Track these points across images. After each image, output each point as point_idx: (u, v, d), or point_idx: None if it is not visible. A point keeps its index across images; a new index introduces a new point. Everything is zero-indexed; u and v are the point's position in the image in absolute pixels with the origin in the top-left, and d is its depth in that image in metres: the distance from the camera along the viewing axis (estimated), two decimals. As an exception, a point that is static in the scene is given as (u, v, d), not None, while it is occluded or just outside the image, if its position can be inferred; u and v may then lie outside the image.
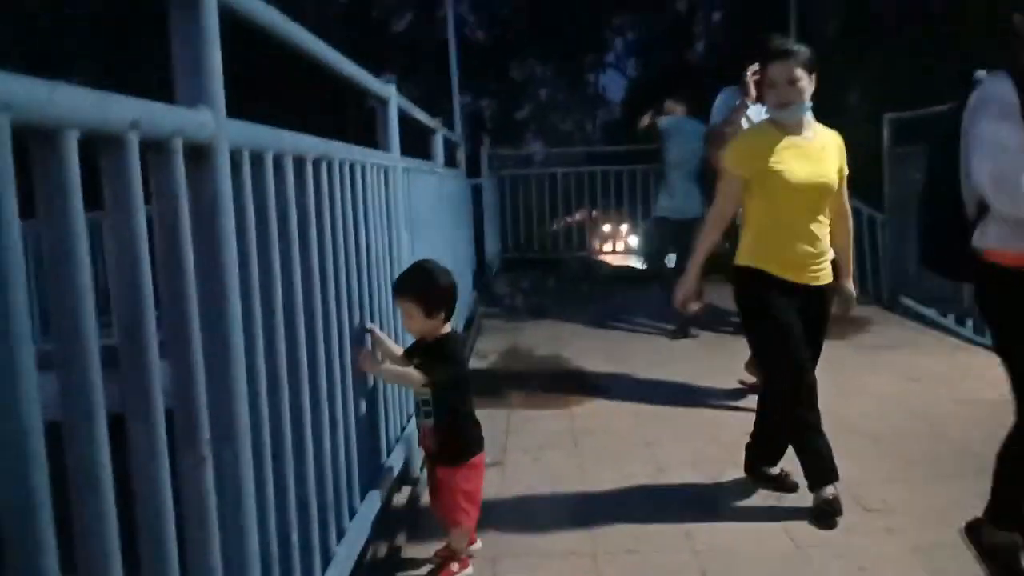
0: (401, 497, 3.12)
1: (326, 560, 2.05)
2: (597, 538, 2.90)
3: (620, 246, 11.93)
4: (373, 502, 2.55)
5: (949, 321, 5.99)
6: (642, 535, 2.91)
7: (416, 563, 2.74)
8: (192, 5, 1.41)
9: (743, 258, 3.11)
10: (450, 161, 6.68)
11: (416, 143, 4.54)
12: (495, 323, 6.83)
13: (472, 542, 2.75)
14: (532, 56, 20.82)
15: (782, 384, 3.07)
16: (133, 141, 1.14)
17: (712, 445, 3.78)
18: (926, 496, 3.15)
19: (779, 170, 2.97)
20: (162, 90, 1.40)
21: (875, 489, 3.25)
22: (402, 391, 3.11)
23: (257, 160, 1.66)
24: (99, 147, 1.11)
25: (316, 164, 2.08)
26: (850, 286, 3.25)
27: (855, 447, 3.67)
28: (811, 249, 3.04)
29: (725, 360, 4.96)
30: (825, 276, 3.10)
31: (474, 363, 5.40)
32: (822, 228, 3.07)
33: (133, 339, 1.16)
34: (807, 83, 2.95)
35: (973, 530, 2.54)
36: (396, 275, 2.87)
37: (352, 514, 2.34)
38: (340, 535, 2.20)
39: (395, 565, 2.74)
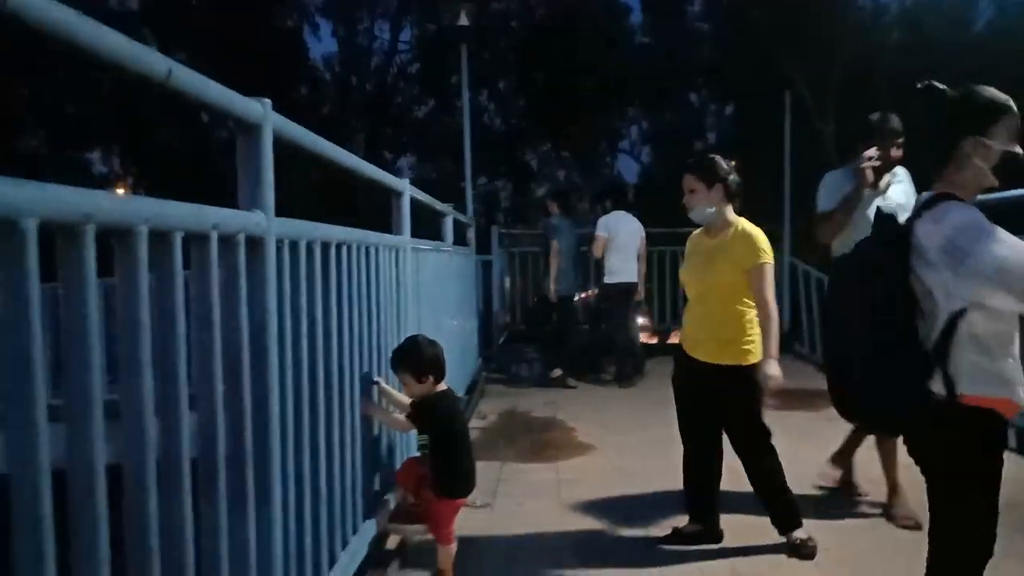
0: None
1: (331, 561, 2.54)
2: (572, 572, 3.36)
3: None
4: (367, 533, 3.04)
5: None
6: (609, 573, 3.37)
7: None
8: (255, 133, 2.00)
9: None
10: (460, 239, 7.28)
11: (430, 223, 5.17)
12: (498, 388, 7.34)
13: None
14: (547, 142, 21.74)
15: None
16: (214, 237, 1.71)
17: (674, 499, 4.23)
18: (869, 550, 3.59)
19: (686, 266, 3.68)
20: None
21: (827, 542, 3.66)
22: (403, 438, 3.63)
23: (294, 247, 2.24)
24: (192, 243, 1.68)
25: (339, 248, 2.66)
26: (767, 367, 3.41)
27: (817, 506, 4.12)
28: (707, 333, 3.55)
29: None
30: (722, 357, 3.50)
31: (474, 422, 5.92)
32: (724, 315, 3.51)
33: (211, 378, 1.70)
34: (702, 191, 3.53)
35: None
36: (403, 337, 3.44)
37: (355, 530, 2.84)
38: (344, 544, 2.70)
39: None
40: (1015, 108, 2.12)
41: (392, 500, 3.44)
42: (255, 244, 1.94)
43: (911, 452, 2.30)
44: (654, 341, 10.76)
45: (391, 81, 18.04)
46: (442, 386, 3.30)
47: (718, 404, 3.58)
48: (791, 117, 11.62)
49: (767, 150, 12.93)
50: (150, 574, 1.41)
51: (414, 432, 3.66)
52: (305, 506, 2.32)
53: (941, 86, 2.21)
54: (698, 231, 3.76)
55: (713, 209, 3.54)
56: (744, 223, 3.59)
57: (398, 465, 3.56)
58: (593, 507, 4.12)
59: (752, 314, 3.49)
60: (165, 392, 1.49)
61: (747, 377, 3.46)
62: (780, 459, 3.66)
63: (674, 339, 11.74)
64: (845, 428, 5.53)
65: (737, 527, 3.71)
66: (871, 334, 2.22)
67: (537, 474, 4.64)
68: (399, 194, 3.87)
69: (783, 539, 3.53)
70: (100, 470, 1.24)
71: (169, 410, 1.51)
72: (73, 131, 16.26)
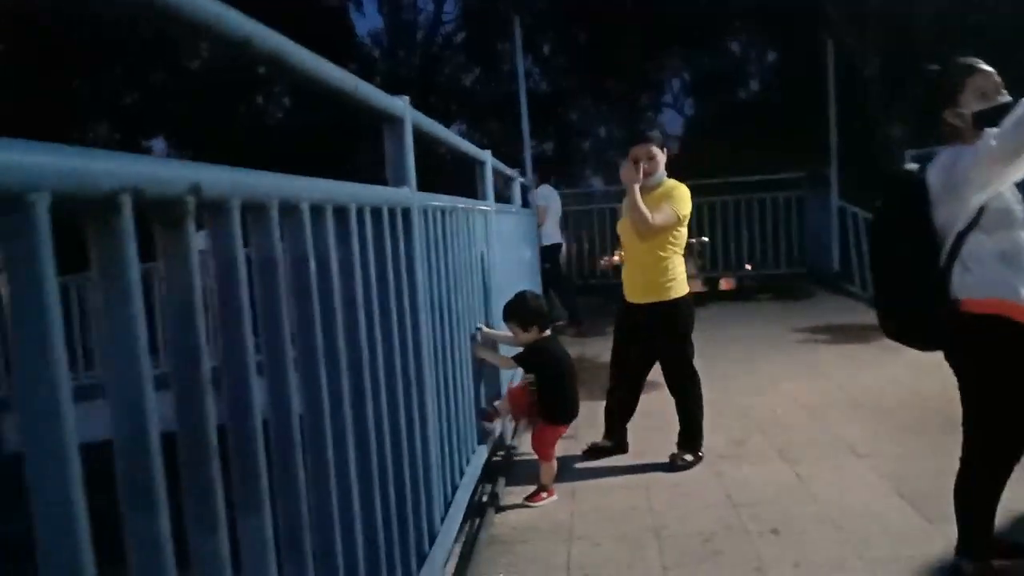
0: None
1: (454, 487, 3.12)
2: (651, 479, 3.93)
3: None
4: (481, 453, 3.63)
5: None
6: (683, 479, 3.93)
7: (514, 496, 3.79)
8: (398, 125, 2.54)
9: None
10: (524, 203, 7.80)
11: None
12: (563, 338, 7.88)
13: (551, 493, 3.79)
14: (590, 100, 21.99)
15: None
16: (357, 211, 2.25)
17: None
18: (904, 445, 4.09)
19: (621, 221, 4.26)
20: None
21: (867, 442, 4.22)
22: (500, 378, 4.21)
23: (431, 214, 2.79)
24: (336, 217, 2.19)
25: (453, 214, 3.21)
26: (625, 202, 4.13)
27: (858, 415, 4.69)
28: (639, 278, 4.13)
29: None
30: (649, 296, 4.12)
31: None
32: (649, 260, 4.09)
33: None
34: (659, 156, 4.10)
35: (958, 574, 2.73)
36: (493, 288, 4.01)
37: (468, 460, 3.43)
38: (468, 460, 3.29)
39: (497, 498, 3.80)
40: (982, 68, 2.57)
41: (497, 428, 4.03)
42: (406, 213, 2.48)
43: (947, 359, 2.77)
44: (704, 290, 11.28)
45: (437, 52, 18.54)
46: (547, 332, 3.86)
47: (654, 339, 4.19)
48: (837, 59, 11.78)
49: (810, 94, 13.14)
50: (348, 477, 1.97)
51: (508, 372, 4.23)
52: (445, 428, 2.89)
53: (931, 67, 2.69)
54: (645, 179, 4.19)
55: (659, 173, 4.12)
56: (673, 182, 4.18)
57: (494, 400, 4.13)
58: (664, 428, 4.66)
59: (673, 258, 4.11)
60: (352, 332, 2.01)
61: (671, 309, 4.12)
62: (830, 383, 4.17)
63: (725, 286, 12.24)
64: (899, 357, 6.07)
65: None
66: (898, 266, 2.72)
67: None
68: (483, 163, 4.40)
69: (675, 451, 4.17)
70: (256, 425, 1.31)
71: (358, 347, 2.04)
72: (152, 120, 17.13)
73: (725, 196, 11.62)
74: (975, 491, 2.67)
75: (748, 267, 11.83)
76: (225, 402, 1.27)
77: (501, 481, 3.95)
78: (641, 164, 4.05)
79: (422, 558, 2.40)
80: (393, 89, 2.51)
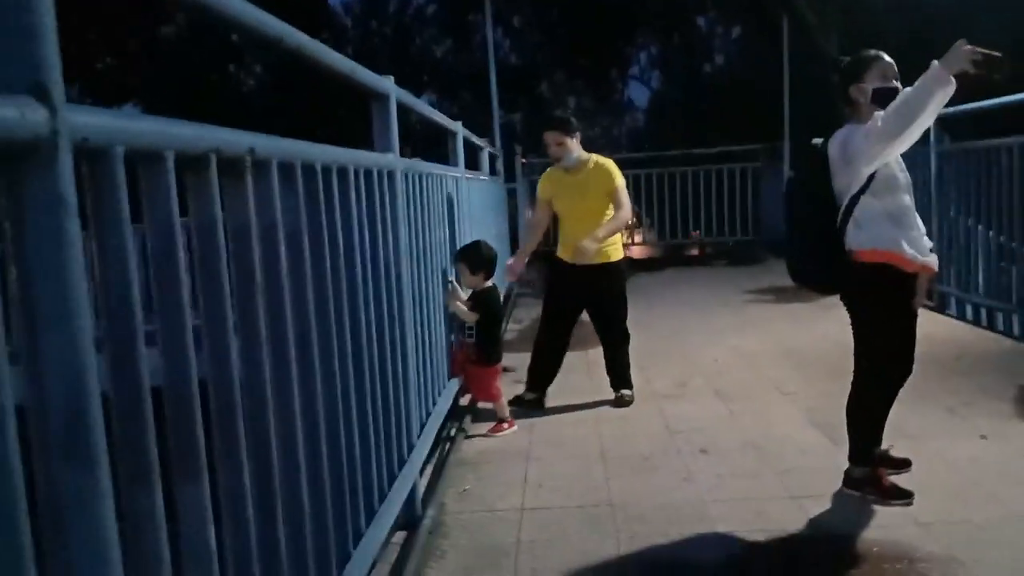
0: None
1: (428, 412, 3.62)
2: (598, 413, 4.46)
3: (639, 238, 13.30)
4: (452, 387, 4.13)
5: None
6: (628, 414, 4.46)
7: (480, 429, 4.31)
8: (384, 100, 3.00)
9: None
10: (492, 170, 8.28)
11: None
12: (526, 299, 8.41)
13: (511, 424, 4.30)
14: (560, 72, 22.39)
15: None
16: (355, 172, 2.71)
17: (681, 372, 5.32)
18: (823, 386, 4.65)
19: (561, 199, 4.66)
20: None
21: (793, 384, 4.79)
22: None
23: (411, 177, 3.26)
24: (329, 177, 2.67)
25: (428, 177, 3.68)
26: (587, 240, 4.43)
27: (789, 362, 5.27)
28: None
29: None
30: (598, 258, 4.54)
31: (512, 326, 7.04)
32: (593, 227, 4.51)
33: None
34: (566, 142, 4.51)
35: (847, 478, 3.23)
36: (456, 245, 4.50)
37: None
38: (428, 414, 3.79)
39: (465, 431, 4.31)
40: (886, 57, 3.08)
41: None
42: (391, 176, 2.95)
43: (842, 300, 3.30)
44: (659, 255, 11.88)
45: (409, 23, 18.83)
46: (490, 283, 4.34)
47: (596, 297, 4.67)
48: (793, 37, 12.32)
49: (771, 70, 13.67)
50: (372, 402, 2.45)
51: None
52: (422, 359, 3.38)
53: (843, 59, 3.21)
54: (554, 170, 4.72)
55: (576, 154, 4.56)
56: (595, 157, 4.65)
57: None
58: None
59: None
60: (350, 271, 2.47)
61: (615, 269, 4.66)
62: (769, 337, 4.70)
63: (693, 251, 12.77)
64: (833, 315, 6.67)
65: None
66: (805, 223, 3.23)
67: (569, 359, 5.70)
68: (455, 134, 4.86)
69: (616, 393, 4.68)
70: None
71: (357, 293, 2.51)
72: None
73: (686, 167, 12.16)
74: (863, 410, 3.22)
75: (694, 234, 12.43)
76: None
77: (468, 418, 4.46)
78: (551, 148, 4.57)
79: (402, 461, 2.90)
80: (365, 59, 2.90)
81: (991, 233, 6.12)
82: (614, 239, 4.64)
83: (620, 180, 4.60)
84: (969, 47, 2.74)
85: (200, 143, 1.40)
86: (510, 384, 4.90)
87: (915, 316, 3.16)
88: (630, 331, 4.81)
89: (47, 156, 0.97)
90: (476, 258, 4.31)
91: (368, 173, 2.61)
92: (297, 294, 1.89)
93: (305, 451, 1.87)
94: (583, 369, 5.37)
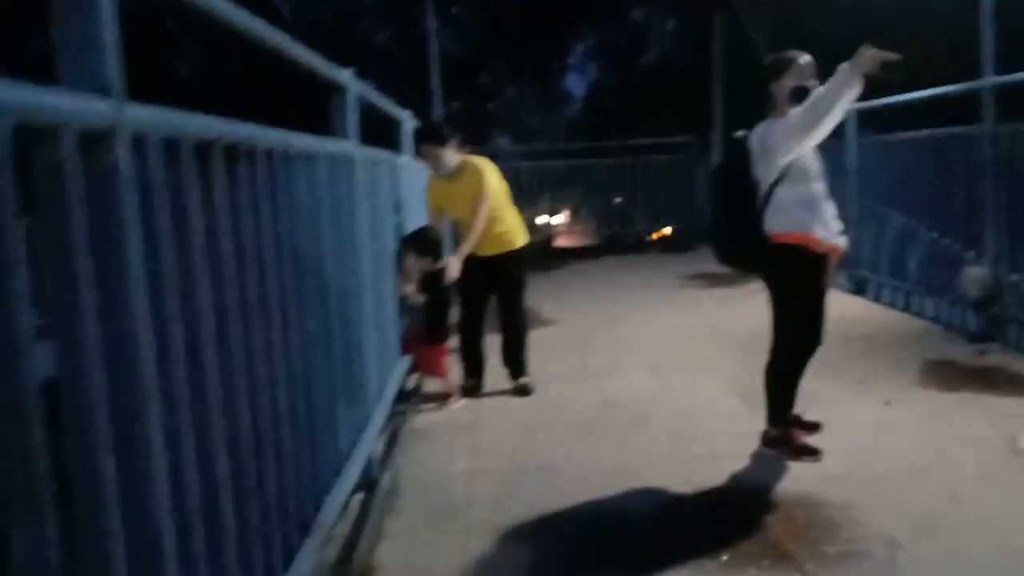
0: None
1: (382, 384, 3.88)
2: (540, 389, 4.76)
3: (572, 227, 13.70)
4: (402, 368, 4.38)
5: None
6: (568, 388, 4.77)
7: (428, 406, 4.57)
8: (344, 91, 3.22)
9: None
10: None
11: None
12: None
13: (459, 399, 4.57)
14: (500, 62, 22.61)
15: None
16: (344, 159, 2.95)
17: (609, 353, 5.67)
18: (747, 361, 5.00)
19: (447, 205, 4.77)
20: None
21: (719, 359, 5.18)
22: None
23: (368, 164, 3.49)
24: (305, 161, 2.90)
25: (379, 163, 3.91)
26: (452, 259, 4.56)
27: (716, 341, 5.66)
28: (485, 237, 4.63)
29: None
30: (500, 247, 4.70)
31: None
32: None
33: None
34: (440, 153, 4.55)
35: (764, 438, 3.61)
36: (402, 225, 4.72)
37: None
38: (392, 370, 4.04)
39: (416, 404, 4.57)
40: (805, 57, 3.41)
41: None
42: (350, 161, 3.18)
43: (761, 278, 3.65)
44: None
45: (349, 10, 18.84)
46: (438, 265, 4.58)
47: (502, 283, 4.79)
48: (725, 31, 12.78)
49: (704, 63, 14.14)
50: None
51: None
52: (377, 335, 3.63)
53: (768, 57, 3.53)
54: (435, 179, 4.77)
55: (452, 162, 4.63)
56: (470, 161, 4.69)
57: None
58: (559, 353, 5.51)
59: (503, 213, 4.73)
60: (316, 248, 2.71)
61: (518, 255, 4.79)
62: (699, 318, 5.04)
63: (628, 239, 13.07)
64: (757, 298, 7.11)
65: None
66: (729, 207, 3.57)
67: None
68: (400, 122, 5.10)
69: (513, 382, 4.83)
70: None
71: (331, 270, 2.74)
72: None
73: (622, 158, 12.56)
74: (778, 377, 3.58)
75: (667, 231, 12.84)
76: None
77: (416, 398, 4.71)
78: (427, 159, 4.65)
79: (362, 427, 3.15)
80: (307, 45, 3.05)
81: (905, 220, 6.59)
82: (509, 225, 4.74)
83: (486, 186, 4.60)
84: (874, 51, 3.09)
85: (209, 132, 1.63)
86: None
87: (824, 293, 3.53)
88: (571, 314, 5.07)
89: (110, 141, 1.20)
90: (422, 243, 4.55)
91: (332, 158, 2.85)
92: (276, 269, 2.13)
93: (284, 407, 2.11)
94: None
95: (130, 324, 1.27)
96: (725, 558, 2.68)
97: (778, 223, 3.41)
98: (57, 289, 1.14)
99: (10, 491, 1.04)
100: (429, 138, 4.65)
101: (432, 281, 4.55)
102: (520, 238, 4.82)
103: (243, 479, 1.81)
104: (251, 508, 1.82)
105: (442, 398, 4.58)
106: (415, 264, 4.53)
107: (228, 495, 1.70)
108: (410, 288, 4.52)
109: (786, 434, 3.56)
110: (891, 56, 3.08)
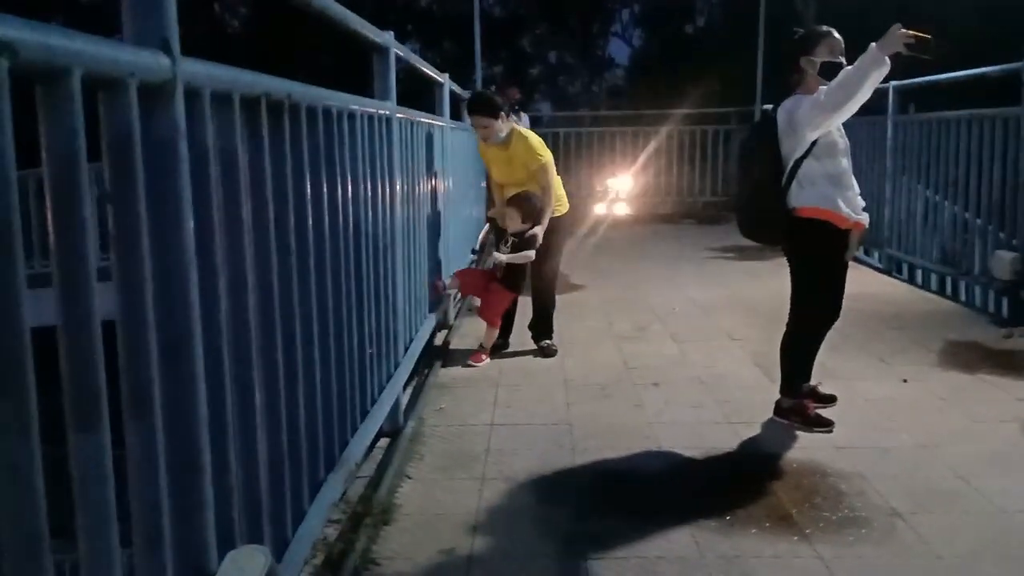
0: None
1: (411, 338, 4.01)
2: (563, 351, 4.88)
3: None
4: (429, 325, 4.53)
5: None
6: (590, 350, 4.89)
7: (456, 357, 4.71)
8: (385, 52, 3.33)
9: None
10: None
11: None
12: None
13: (488, 355, 4.71)
14: (542, 25, 22.50)
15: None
16: (379, 117, 3.06)
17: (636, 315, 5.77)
18: (769, 332, 5.06)
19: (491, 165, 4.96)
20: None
21: (741, 330, 5.25)
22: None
23: (404, 124, 3.60)
24: (349, 119, 3.02)
25: (418, 125, 4.02)
26: (535, 229, 4.69)
27: (740, 312, 5.75)
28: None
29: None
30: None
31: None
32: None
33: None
34: (492, 123, 4.64)
35: (777, 408, 3.69)
36: (440, 187, 4.85)
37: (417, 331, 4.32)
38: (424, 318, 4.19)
39: (443, 359, 4.71)
40: (835, 34, 3.44)
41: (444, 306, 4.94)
42: (388, 121, 3.29)
43: (784, 252, 3.71)
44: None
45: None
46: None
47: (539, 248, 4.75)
48: (769, 4, 12.61)
49: (749, 33, 13.97)
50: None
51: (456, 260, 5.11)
52: (408, 289, 3.76)
53: (796, 30, 3.56)
54: (484, 142, 4.87)
55: (503, 132, 4.73)
56: (519, 132, 4.78)
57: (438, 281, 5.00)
58: (585, 316, 5.63)
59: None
60: (355, 203, 2.82)
61: (557, 223, 4.85)
62: (726, 290, 5.11)
63: (663, 208, 13.12)
64: (786, 272, 7.14)
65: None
66: (754, 181, 3.62)
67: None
68: (441, 85, 5.19)
69: (536, 344, 4.93)
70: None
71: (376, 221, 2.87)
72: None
73: (659, 126, 12.51)
74: (793, 348, 3.66)
75: None
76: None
77: (437, 364, 4.84)
78: (478, 131, 4.76)
79: (390, 374, 3.30)
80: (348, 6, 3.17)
81: (938, 200, 6.57)
82: (556, 196, 4.83)
83: (542, 159, 4.73)
84: (903, 31, 3.12)
85: (256, 88, 1.75)
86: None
87: (845, 268, 3.59)
88: (600, 280, 5.15)
89: (169, 93, 1.33)
90: (528, 207, 4.66)
91: (370, 118, 2.96)
92: (315, 219, 2.26)
93: (317, 348, 2.25)
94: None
95: (181, 262, 1.41)
96: (728, 518, 2.80)
97: (803, 198, 3.47)
98: (119, 227, 1.27)
99: (74, 405, 1.18)
100: (482, 111, 4.70)
101: (525, 240, 4.67)
102: (561, 207, 4.92)
103: (276, 410, 1.95)
104: (282, 437, 1.97)
105: (471, 355, 4.72)
106: (518, 225, 4.66)
107: (262, 422, 1.85)
108: (523, 255, 4.65)
109: (799, 404, 3.65)
110: (921, 35, 3.11)
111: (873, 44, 3.16)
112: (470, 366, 4.63)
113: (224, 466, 1.63)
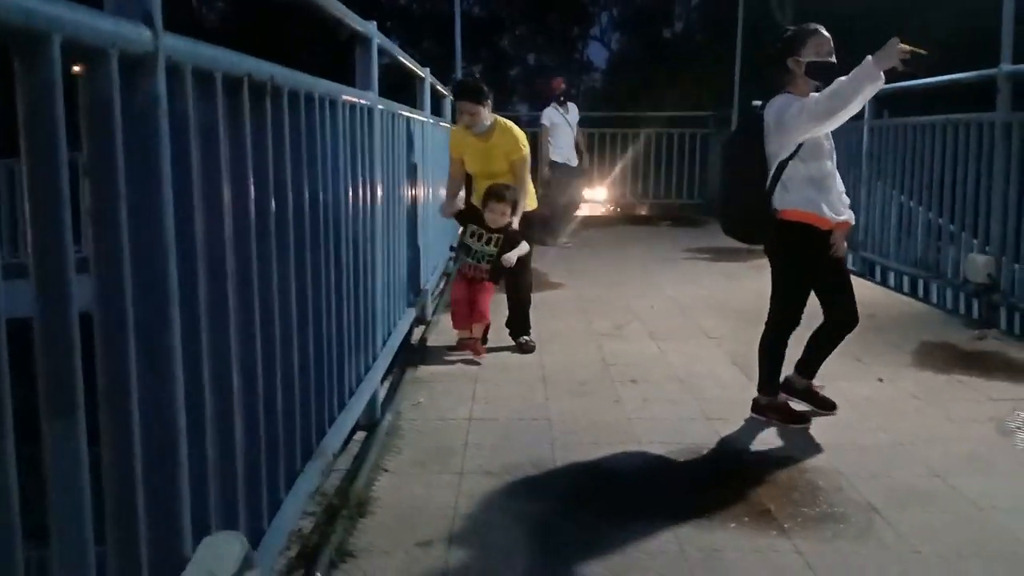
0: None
1: (389, 331, 3.98)
2: (540, 348, 4.87)
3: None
4: (407, 320, 4.49)
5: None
6: (569, 348, 4.88)
7: (433, 354, 4.68)
8: (368, 43, 3.29)
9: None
10: (454, 119, 8.54)
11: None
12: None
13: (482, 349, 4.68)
14: (523, 27, 22.53)
15: None
16: (360, 106, 3.02)
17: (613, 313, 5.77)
18: (746, 333, 5.07)
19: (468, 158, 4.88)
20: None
21: (719, 329, 5.27)
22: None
23: (385, 115, 3.57)
24: (331, 107, 2.98)
25: (399, 118, 3.98)
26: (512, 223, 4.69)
27: (718, 312, 5.76)
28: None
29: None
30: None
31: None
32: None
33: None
34: (479, 111, 4.64)
35: (755, 404, 3.70)
36: (420, 181, 4.81)
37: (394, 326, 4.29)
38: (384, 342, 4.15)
39: (423, 355, 4.68)
40: (823, 32, 3.43)
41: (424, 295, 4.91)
42: (370, 112, 3.26)
43: (766, 252, 3.71)
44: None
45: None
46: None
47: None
48: (749, 7, 12.70)
49: (726, 37, 14.07)
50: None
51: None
52: (387, 281, 3.73)
53: (786, 28, 3.55)
54: (460, 130, 4.89)
55: (488, 121, 4.73)
56: (502, 122, 4.80)
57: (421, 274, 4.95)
58: (563, 314, 5.62)
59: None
60: (335, 190, 2.79)
61: (527, 218, 4.85)
62: (704, 290, 5.11)
63: (641, 210, 13.17)
64: (763, 273, 7.21)
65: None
66: (738, 180, 3.62)
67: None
68: (422, 79, 5.16)
69: (515, 341, 4.90)
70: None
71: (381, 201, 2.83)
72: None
73: (637, 128, 12.56)
74: (770, 346, 3.67)
75: None
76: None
77: (418, 356, 4.83)
78: (463, 117, 4.71)
79: (367, 367, 3.27)
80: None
81: (912, 205, 6.63)
82: (526, 191, 4.85)
83: (524, 150, 4.78)
84: (902, 46, 3.10)
85: (239, 68, 1.72)
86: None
87: (840, 266, 3.60)
88: (578, 279, 5.12)
89: (151, 66, 1.29)
90: (516, 201, 4.63)
91: (352, 107, 2.93)
92: (295, 206, 2.22)
93: (295, 337, 2.22)
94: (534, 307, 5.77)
95: (160, 240, 1.37)
96: (708, 513, 2.79)
97: (787, 201, 3.47)
98: (97, 200, 1.23)
99: (48, 394, 1.14)
100: (469, 95, 4.68)
101: (515, 232, 4.65)
102: (531, 202, 4.95)
103: (253, 398, 1.92)
104: (259, 425, 1.94)
105: (472, 350, 4.69)
106: (502, 219, 4.60)
107: (239, 411, 1.82)
108: (517, 249, 4.63)
109: (776, 402, 3.66)
110: (918, 51, 3.10)
111: (869, 57, 3.14)
112: (474, 363, 4.57)
113: (200, 454, 1.60)
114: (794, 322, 3.64)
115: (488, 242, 4.65)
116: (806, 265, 3.56)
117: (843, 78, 3.24)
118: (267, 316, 2.00)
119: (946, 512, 2.82)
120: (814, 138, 3.43)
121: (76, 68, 1.19)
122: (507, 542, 2.59)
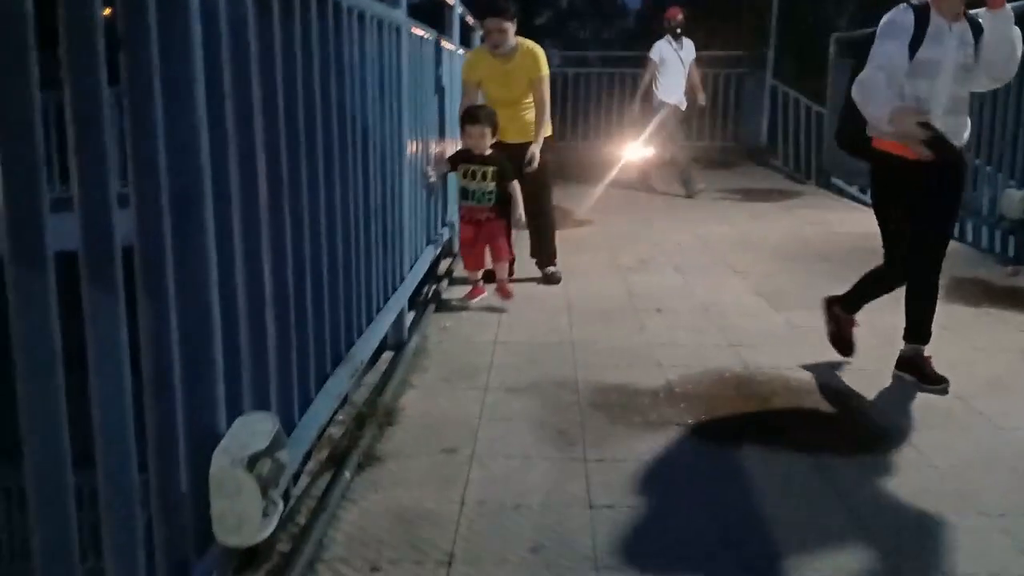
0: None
1: (416, 255, 4.02)
2: (567, 279, 4.90)
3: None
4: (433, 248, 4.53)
5: (855, 191, 7.91)
6: (594, 280, 4.91)
7: (460, 283, 4.73)
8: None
9: None
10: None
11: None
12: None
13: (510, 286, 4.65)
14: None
15: None
16: (375, 18, 3.03)
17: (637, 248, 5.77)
18: (772, 267, 5.13)
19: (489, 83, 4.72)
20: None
21: (745, 264, 5.26)
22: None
23: (413, 36, 3.56)
24: (359, 19, 2.99)
25: (427, 42, 3.97)
26: (532, 149, 4.66)
27: (745, 248, 5.74)
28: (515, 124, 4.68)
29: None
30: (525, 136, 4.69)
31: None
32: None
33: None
34: (509, 28, 4.49)
35: (829, 302, 3.59)
36: (446, 105, 4.80)
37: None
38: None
39: (450, 285, 4.73)
40: None
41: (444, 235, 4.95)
42: (398, 29, 3.26)
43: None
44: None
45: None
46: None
47: (524, 169, 4.65)
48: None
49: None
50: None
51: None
52: (415, 204, 3.76)
53: None
54: (481, 53, 4.72)
55: (513, 41, 4.57)
56: (525, 43, 4.64)
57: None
58: (590, 249, 5.64)
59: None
60: (363, 103, 2.81)
61: (546, 147, 4.75)
62: (732, 228, 5.08)
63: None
64: (794, 213, 7.15)
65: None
66: (848, 109, 3.32)
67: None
68: (451, 7, 5.14)
69: (541, 272, 4.89)
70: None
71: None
72: None
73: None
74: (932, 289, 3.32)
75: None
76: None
77: (444, 281, 4.84)
78: (492, 35, 4.54)
79: (395, 286, 3.33)
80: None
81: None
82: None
83: (545, 70, 4.66)
84: (923, 130, 2.86)
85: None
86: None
87: (939, 195, 3.19)
88: (605, 217, 5.06)
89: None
90: (494, 120, 4.38)
91: (380, 23, 2.94)
92: (324, 116, 2.26)
93: (325, 247, 2.26)
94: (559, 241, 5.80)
95: (193, 126, 1.42)
96: (728, 430, 2.84)
97: (875, 131, 3.23)
98: (134, 103, 1.28)
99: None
100: (497, 12, 4.51)
101: (505, 161, 4.43)
102: (549, 127, 4.82)
103: (285, 302, 1.98)
104: (290, 325, 2.00)
105: (497, 291, 4.54)
106: (487, 143, 4.35)
107: (271, 311, 1.88)
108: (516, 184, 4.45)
109: (844, 318, 3.55)
110: (937, 143, 2.90)
111: (896, 110, 2.94)
112: (497, 308, 4.40)
113: (233, 347, 1.65)
114: (938, 255, 3.26)
115: (484, 177, 4.38)
116: (889, 196, 3.32)
117: (881, 84, 2.99)
118: (297, 219, 2.05)
119: (965, 433, 2.85)
120: (925, 54, 3.07)
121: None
122: (529, 450, 2.66)
